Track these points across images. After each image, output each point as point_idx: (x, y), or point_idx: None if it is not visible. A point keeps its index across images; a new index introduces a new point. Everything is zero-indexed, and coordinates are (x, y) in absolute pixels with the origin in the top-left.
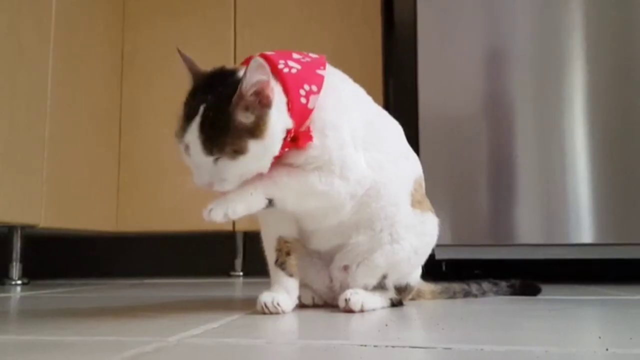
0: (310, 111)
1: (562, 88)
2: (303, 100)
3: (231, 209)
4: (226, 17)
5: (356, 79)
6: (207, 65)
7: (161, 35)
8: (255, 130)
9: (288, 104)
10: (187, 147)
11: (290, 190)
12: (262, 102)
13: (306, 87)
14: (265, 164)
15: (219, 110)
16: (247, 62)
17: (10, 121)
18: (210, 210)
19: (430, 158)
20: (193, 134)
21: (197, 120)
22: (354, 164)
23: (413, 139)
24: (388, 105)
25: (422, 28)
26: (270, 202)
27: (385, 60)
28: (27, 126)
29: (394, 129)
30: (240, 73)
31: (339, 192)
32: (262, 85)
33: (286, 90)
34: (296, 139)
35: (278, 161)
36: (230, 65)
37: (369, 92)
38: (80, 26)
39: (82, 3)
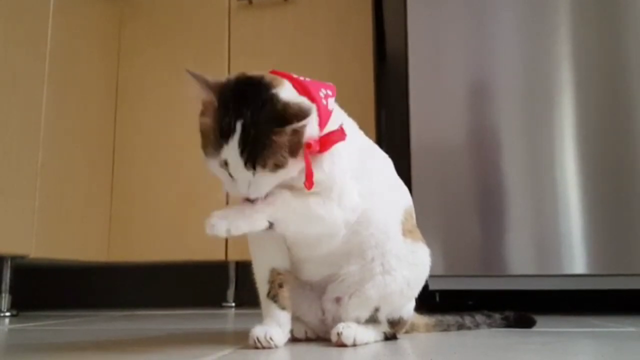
0: (330, 113)
1: (552, 118)
2: (324, 102)
3: (234, 226)
4: (220, 49)
5: (349, 111)
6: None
7: (156, 65)
8: (292, 148)
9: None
10: (224, 163)
11: (292, 214)
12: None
13: (323, 90)
14: (295, 173)
15: (258, 129)
16: (277, 74)
17: (2, 150)
18: (213, 225)
19: (422, 188)
20: (233, 151)
21: (236, 137)
22: (349, 192)
23: (405, 170)
24: (380, 137)
25: (413, 61)
26: (271, 225)
27: (377, 92)
28: (20, 156)
29: (385, 161)
30: (276, 90)
31: (336, 219)
32: (302, 128)
33: (312, 98)
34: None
35: None
36: None
37: (361, 124)
38: (74, 55)
39: (78, 33)
